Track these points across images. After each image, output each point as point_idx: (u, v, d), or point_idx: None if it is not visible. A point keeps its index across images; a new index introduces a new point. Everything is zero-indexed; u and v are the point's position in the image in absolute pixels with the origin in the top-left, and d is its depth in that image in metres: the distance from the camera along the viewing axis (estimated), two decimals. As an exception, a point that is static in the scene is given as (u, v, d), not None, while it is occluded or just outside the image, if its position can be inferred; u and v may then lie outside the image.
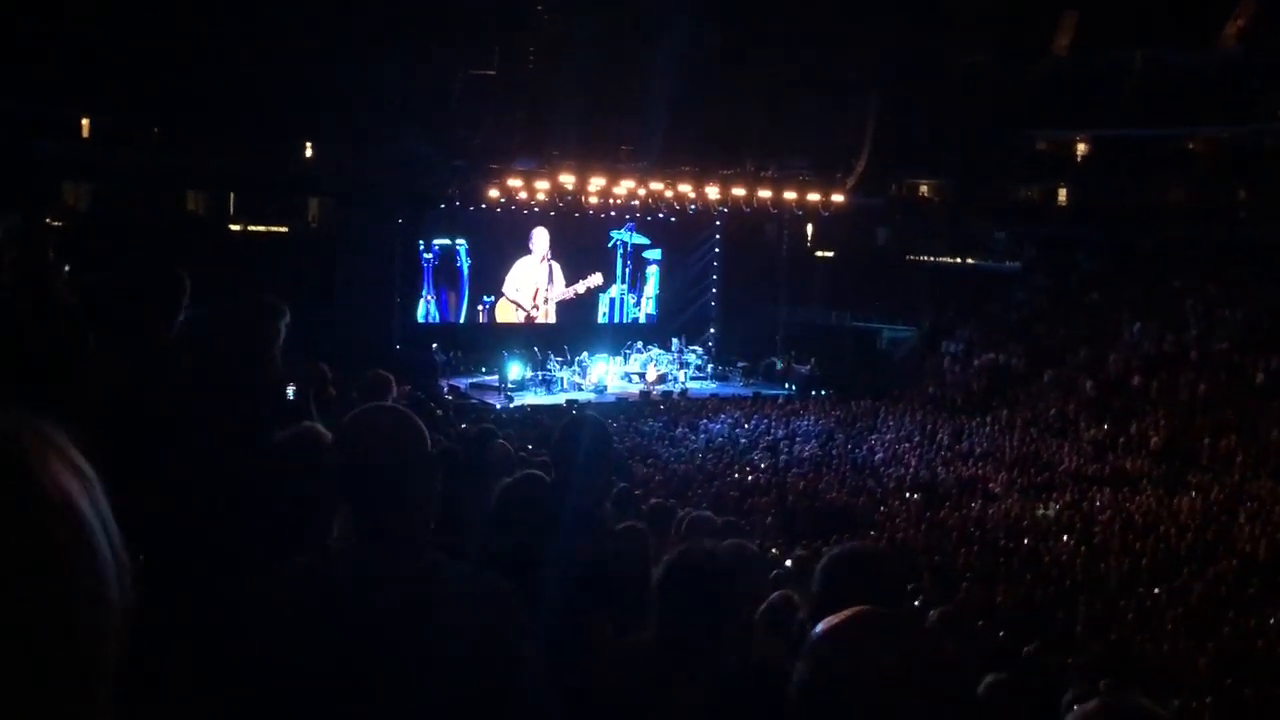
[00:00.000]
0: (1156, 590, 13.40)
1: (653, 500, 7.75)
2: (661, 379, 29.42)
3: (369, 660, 1.83)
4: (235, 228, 30.24)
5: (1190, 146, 32.99)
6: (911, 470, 20.12)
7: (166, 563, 2.03)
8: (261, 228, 30.58)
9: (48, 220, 23.41)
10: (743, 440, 22.48)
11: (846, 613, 1.35)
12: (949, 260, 35.16)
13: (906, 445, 22.20)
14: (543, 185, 27.46)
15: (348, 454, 2.02)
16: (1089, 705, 1.99)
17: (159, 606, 1.87)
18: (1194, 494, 18.10)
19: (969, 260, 34.93)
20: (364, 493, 1.97)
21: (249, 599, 1.96)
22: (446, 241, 30.33)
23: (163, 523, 2.16)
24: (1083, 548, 15.19)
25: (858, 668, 1.26)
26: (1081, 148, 35.20)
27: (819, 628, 1.34)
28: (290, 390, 3.28)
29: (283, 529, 2.23)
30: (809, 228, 36.03)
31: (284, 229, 30.91)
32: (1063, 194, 35.49)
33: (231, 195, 30.76)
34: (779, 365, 32.00)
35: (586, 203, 29.08)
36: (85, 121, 27.66)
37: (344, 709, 1.83)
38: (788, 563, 8.51)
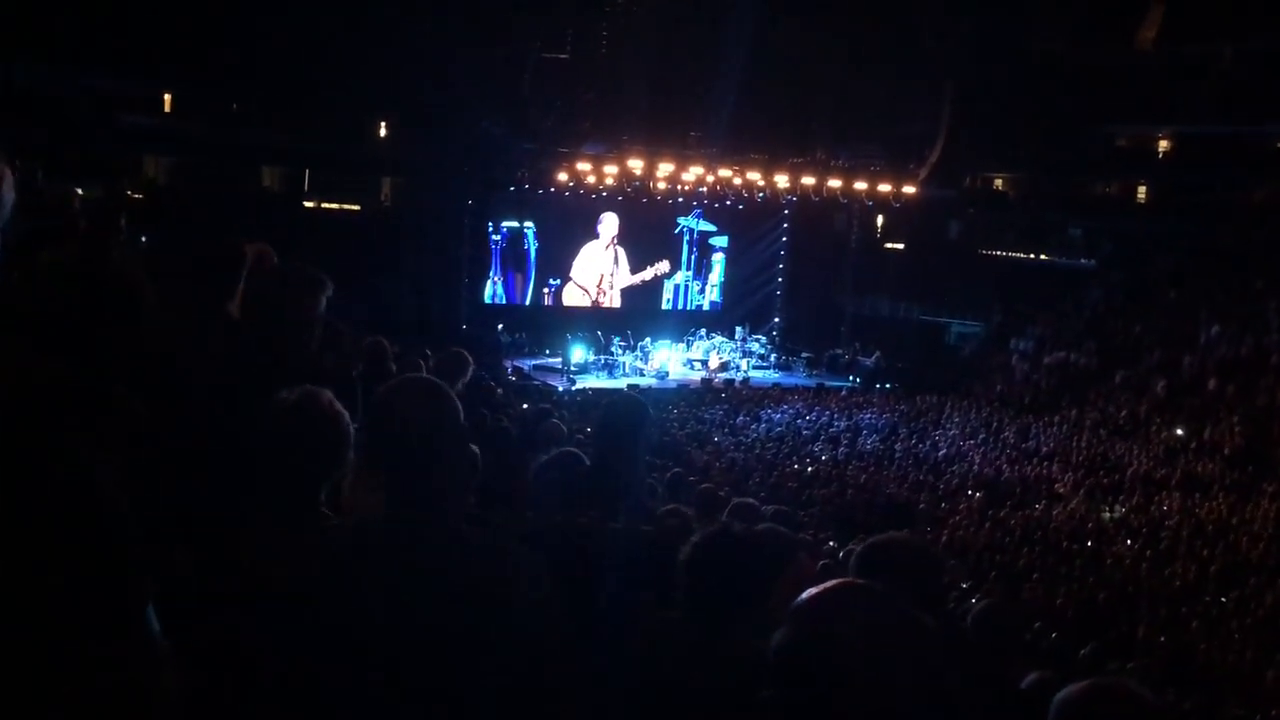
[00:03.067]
0: (1224, 598, 13.07)
1: (703, 486, 7.74)
2: (724, 367, 29.36)
3: (396, 626, 1.84)
4: (309, 204, 30.79)
5: (1278, 145, 31.97)
6: (975, 468, 19.84)
7: (191, 520, 2.07)
8: (335, 205, 31.12)
9: (128, 192, 24.07)
10: (804, 431, 22.33)
11: (829, 583, 1.33)
12: (1022, 256, 34.55)
13: (971, 442, 21.88)
14: (611, 170, 27.47)
15: (380, 423, 2.04)
16: (1078, 685, 1.96)
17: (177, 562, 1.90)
18: (1268, 502, 17.59)
19: (1042, 256, 34.29)
20: (395, 461, 1.98)
21: (279, 559, 1.99)
22: (515, 224, 30.54)
23: (183, 481, 2.20)
24: (1148, 552, 14.86)
25: (830, 636, 1.24)
26: (1164, 144, 34.30)
27: (801, 596, 1.32)
28: (330, 360, 3.32)
29: (272, 491, 2.23)
30: (879, 218, 35.63)
31: (356, 207, 31.43)
32: (1142, 191, 34.63)
33: (306, 172, 31.30)
34: (844, 357, 31.72)
35: (654, 188, 29.05)
36: (167, 96, 28.30)
37: (372, 675, 1.84)
38: (841, 555, 8.44)
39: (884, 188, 29.89)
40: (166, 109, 28.40)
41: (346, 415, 2.23)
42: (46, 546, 1.14)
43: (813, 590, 1.32)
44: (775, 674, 1.28)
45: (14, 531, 1.11)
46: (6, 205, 1.24)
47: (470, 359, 6.44)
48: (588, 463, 3.22)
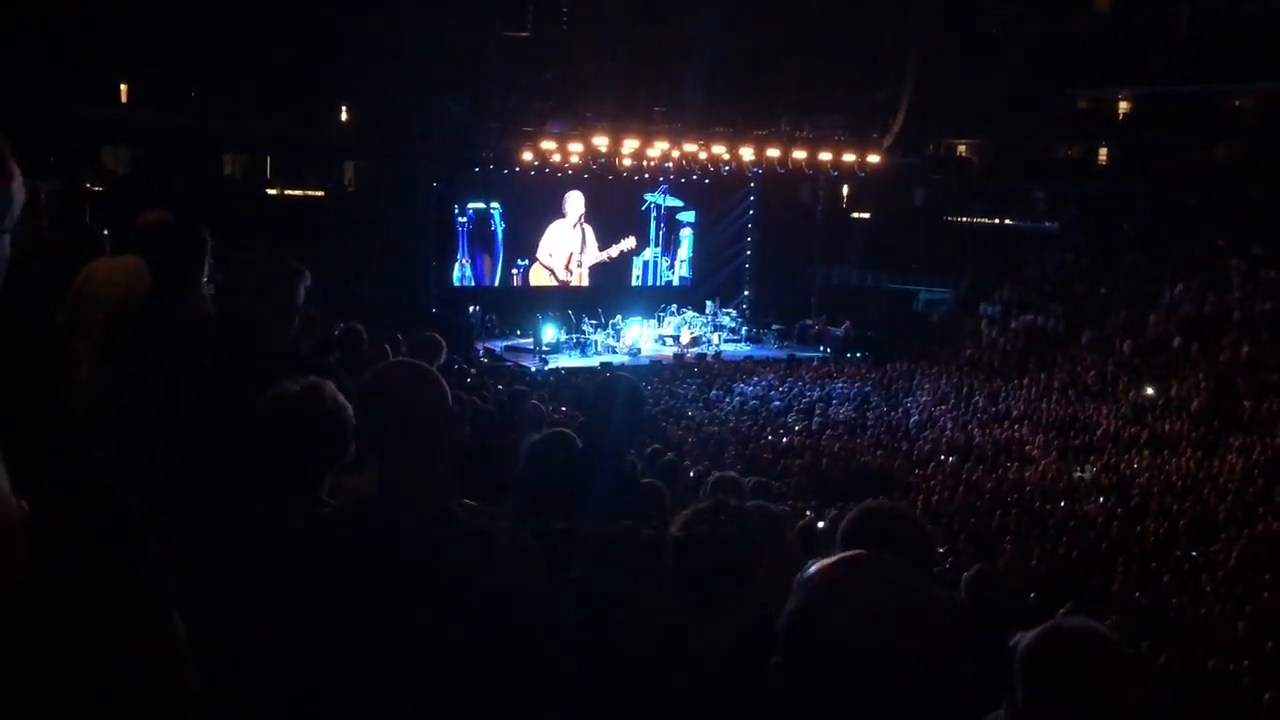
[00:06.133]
0: (1194, 553, 13.30)
1: (666, 457, 7.78)
2: (695, 341, 29.38)
3: (387, 608, 1.86)
4: (272, 191, 30.44)
5: (1237, 103, 32.28)
6: (947, 433, 20.01)
7: (175, 508, 2.08)
8: (298, 191, 30.77)
9: (87, 184, 23.70)
10: (777, 403, 22.44)
11: (840, 554, 1.34)
12: (987, 221, 34.76)
13: (942, 408, 22.06)
14: (576, 148, 27.32)
15: (370, 406, 2.05)
16: (1036, 631, 1.99)
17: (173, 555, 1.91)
18: (1234, 456, 17.87)
19: (1007, 221, 34.52)
20: (384, 444, 2.00)
21: (271, 545, 2.00)
22: (481, 205, 30.34)
23: (172, 468, 2.21)
24: (1120, 510, 15.08)
25: (842, 606, 1.25)
26: (1124, 106, 34.55)
27: (811, 567, 1.32)
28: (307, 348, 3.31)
29: (277, 482, 2.25)
30: (845, 188, 35.68)
31: (320, 192, 31.07)
32: (1104, 153, 34.90)
33: (268, 158, 30.93)
34: (814, 327, 31.83)
35: (620, 165, 28.91)
36: (124, 86, 27.83)
37: (366, 654, 1.86)
38: (820, 524, 8.53)
39: (849, 157, 29.92)
40: (123, 99, 27.94)
41: (349, 407, 2.24)
42: (73, 545, 1.15)
43: (823, 561, 1.33)
44: (782, 647, 1.27)
45: (43, 531, 1.12)
46: (17, 205, 1.22)
47: (443, 342, 6.42)
48: (580, 444, 3.23)
